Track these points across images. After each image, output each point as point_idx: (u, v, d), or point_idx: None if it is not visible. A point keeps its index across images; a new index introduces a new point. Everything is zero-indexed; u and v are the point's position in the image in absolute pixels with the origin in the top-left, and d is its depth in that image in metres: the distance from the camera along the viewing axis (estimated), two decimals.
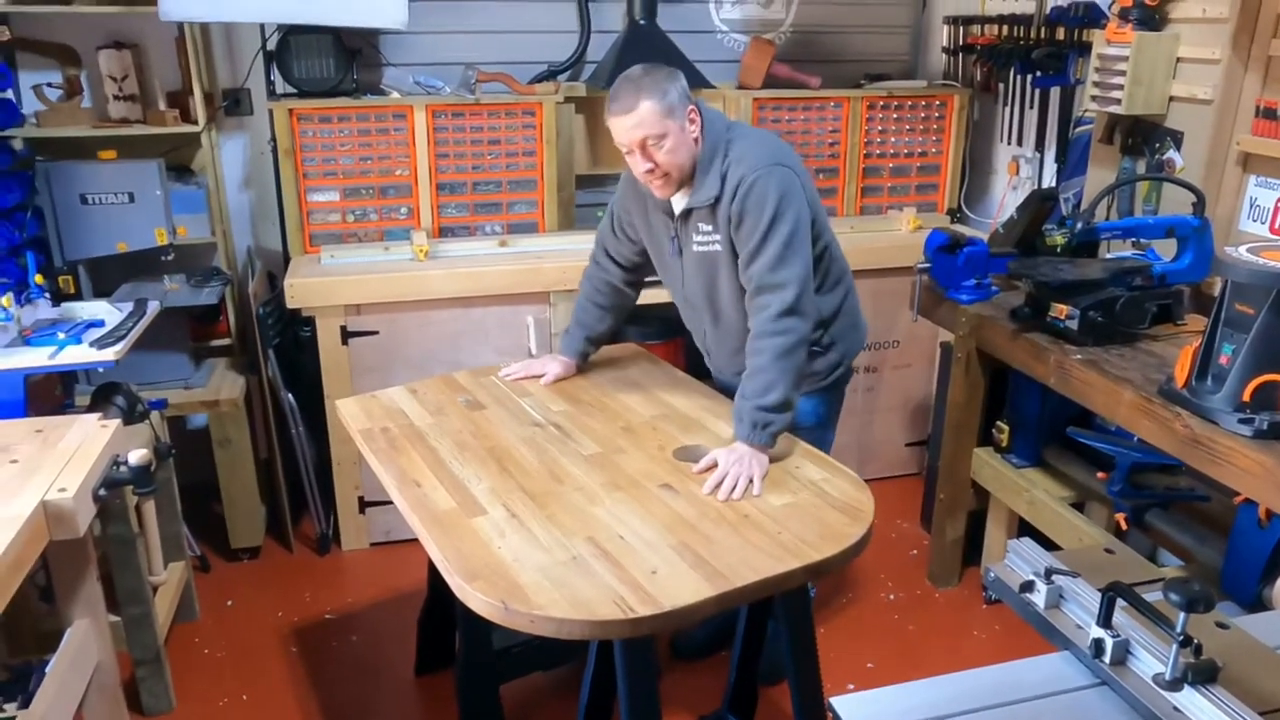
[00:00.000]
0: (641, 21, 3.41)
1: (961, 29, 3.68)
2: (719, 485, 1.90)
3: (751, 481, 1.92)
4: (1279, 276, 1.85)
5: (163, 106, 3.14)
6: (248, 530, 3.21)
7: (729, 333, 2.29)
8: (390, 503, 2.01)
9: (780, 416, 2.03)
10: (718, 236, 2.15)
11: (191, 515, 3.02)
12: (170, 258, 3.03)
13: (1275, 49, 2.47)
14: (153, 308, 2.73)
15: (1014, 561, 1.52)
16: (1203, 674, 1.22)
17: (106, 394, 2.56)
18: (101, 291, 2.98)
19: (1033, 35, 3.31)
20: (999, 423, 2.85)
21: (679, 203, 2.18)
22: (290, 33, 3.17)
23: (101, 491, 1.91)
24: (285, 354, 3.20)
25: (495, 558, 1.67)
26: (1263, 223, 2.57)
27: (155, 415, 2.70)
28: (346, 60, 3.23)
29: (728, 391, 2.34)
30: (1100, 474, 2.51)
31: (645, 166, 2.06)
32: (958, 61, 3.75)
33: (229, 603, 3.01)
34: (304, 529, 3.37)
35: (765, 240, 2.05)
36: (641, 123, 2.01)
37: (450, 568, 1.65)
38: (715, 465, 1.95)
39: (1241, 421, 1.90)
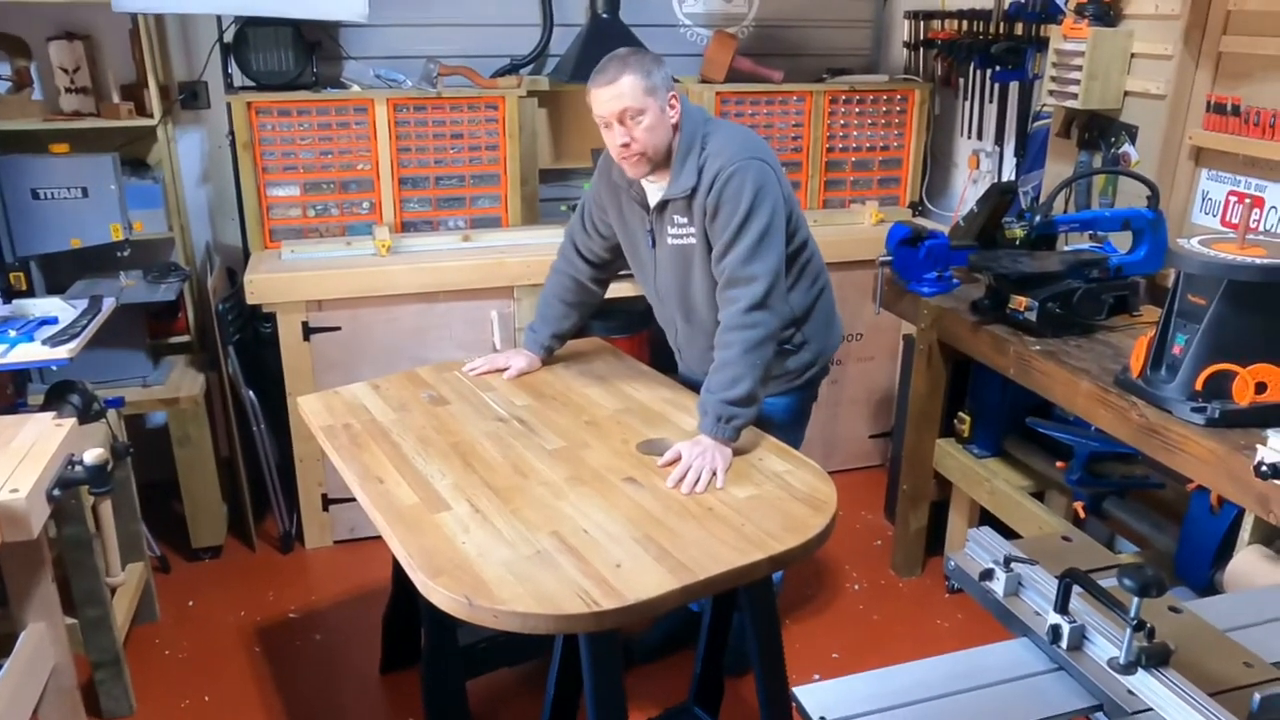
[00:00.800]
0: (604, 15, 3.40)
1: (922, 24, 3.71)
2: (682, 479, 1.90)
3: (715, 475, 1.92)
4: (1229, 268, 1.89)
5: (116, 99, 3.08)
6: (209, 529, 3.17)
7: (700, 330, 2.29)
8: (354, 500, 1.99)
9: (745, 411, 2.03)
10: (692, 229, 2.15)
11: (151, 515, 2.98)
12: (126, 254, 2.97)
13: (1225, 45, 2.52)
14: (108, 304, 2.68)
15: (974, 550, 1.54)
16: (1155, 657, 1.25)
17: (61, 392, 2.51)
18: (55, 288, 2.92)
19: (992, 30, 3.35)
20: (960, 414, 2.89)
21: (654, 194, 2.19)
22: (248, 24, 3.12)
23: (56, 492, 1.88)
24: (246, 351, 3.16)
25: (459, 553, 1.67)
26: (1214, 215, 2.62)
27: (112, 414, 2.65)
28: (306, 53, 3.19)
29: (696, 388, 2.35)
30: (1059, 463, 2.55)
31: (621, 140, 2.07)
32: (918, 56, 3.78)
33: (190, 603, 2.97)
34: (267, 528, 3.33)
35: (739, 233, 2.06)
36: (622, 95, 2.03)
37: (414, 564, 1.64)
38: (679, 458, 1.96)
39: (1194, 410, 1.94)
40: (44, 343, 2.41)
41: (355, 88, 3.30)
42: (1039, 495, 2.75)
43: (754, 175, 2.07)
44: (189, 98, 3.35)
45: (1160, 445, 1.99)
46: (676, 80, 3.42)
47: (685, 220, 2.16)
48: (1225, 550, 2.06)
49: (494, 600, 1.54)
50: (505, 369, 2.46)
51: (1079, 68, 2.76)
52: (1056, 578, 1.35)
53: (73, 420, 2.06)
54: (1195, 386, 1.95)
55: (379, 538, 1.85)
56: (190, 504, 3.12)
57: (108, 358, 2.92)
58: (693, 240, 2.17)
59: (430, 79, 3.27)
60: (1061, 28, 2.83)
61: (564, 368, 2.49)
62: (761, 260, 2.07)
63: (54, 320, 2.55)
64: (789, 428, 2.37)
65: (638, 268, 2.38)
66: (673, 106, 2.09)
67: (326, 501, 3.21)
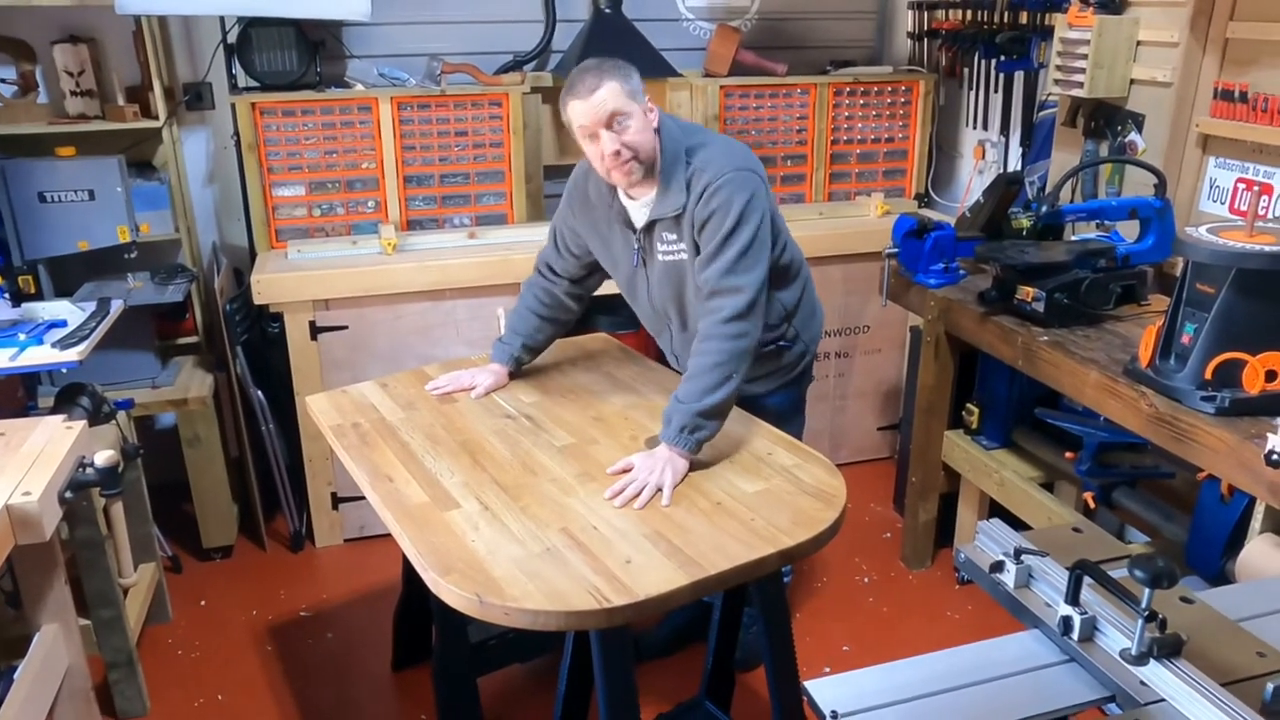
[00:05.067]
0: (607, 10, 3.39)
1: (925, 14, 3.70)
2: (621, 491, 1.84)
3: (660, 491, 1.84)
4: (1238, 256, 1.88)
5: (121, 102, 3.09)
6: (220, 529, 3.18)
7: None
8: (363, 498, 2.00)
9: (712, 424, 1.97)
10: (683, 245, 2.13)
11: (162, 515, 2.99)
12: (133, 255, 2.98)
13: (1233, 31, 2.51)
14: (116, 306, 2.69)
15: (984, 542, 1.54)
16: (1167, 648, 1.24)
17: (71, 395, 2.52)
18: (63, 291, 2.93)
19: (996, 20, 3.34)
20: (969, 405, 2.88)
21: (640, 215, 2.15)
22: (251, 25, 3.12)
23: (67, 494, 1.88)
24: (253, 351, 3.17)
25: (469, 551, 1.67)
26: (1222, 203, 2.60)
27: (122, 415, 2.67)
28: (309, 53, 3.19)
29: None
30: (1068, 454, 2.55)
31: (613, 146, 1.99)
32: (922, 47, 3.77)
33: (202, 603, 2.98)
34: (277, 527, 3.34)
35: (725, 244, 2.02)
36: (605, 100, 1.97)
37: (424, 562, 1.65)
38: (630, 468, 1.90)
39: (1204, 399, 1.94)
40: (53, 345, 2.42)
41: (359, 86, 3.30)
42: (1048, 486, 2.75)
43: (741, 186, 2.03)
44: (193, 99, 3.36)
45: (1170, 435, 1.99)
46: (679, 75, 3.45)
47: (674, 237, 2.12)
48: (1236, 539, 2.05)
49: (504, 598, 1.54)
50: (471, 388, 2.34)
51: (1084, 56, 2.75)
52: (1067, 569, 1.34)
53: (83, 422, 2.07)
54: (1205, 375, 1.95)
55: (389, 535, 1.86)
56: (200, 504, 3.13)
57: (116, 359, 2.93)
58: (683, 256, 2.14)
59: (434, 76, 3.27)
60: (1066, 16, 2.82)
61: (571, 364, 2.49)
62: (746, 272, 2.03)
63: (63, 323, 2.56)
64: (789, 419, 2.37)
65: (625, 285, 2.33)
66: (650, 112, 2.06)
67: (336, 500, 3.21)
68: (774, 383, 2.33)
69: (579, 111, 2.01)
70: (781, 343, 2.31)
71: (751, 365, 2.08)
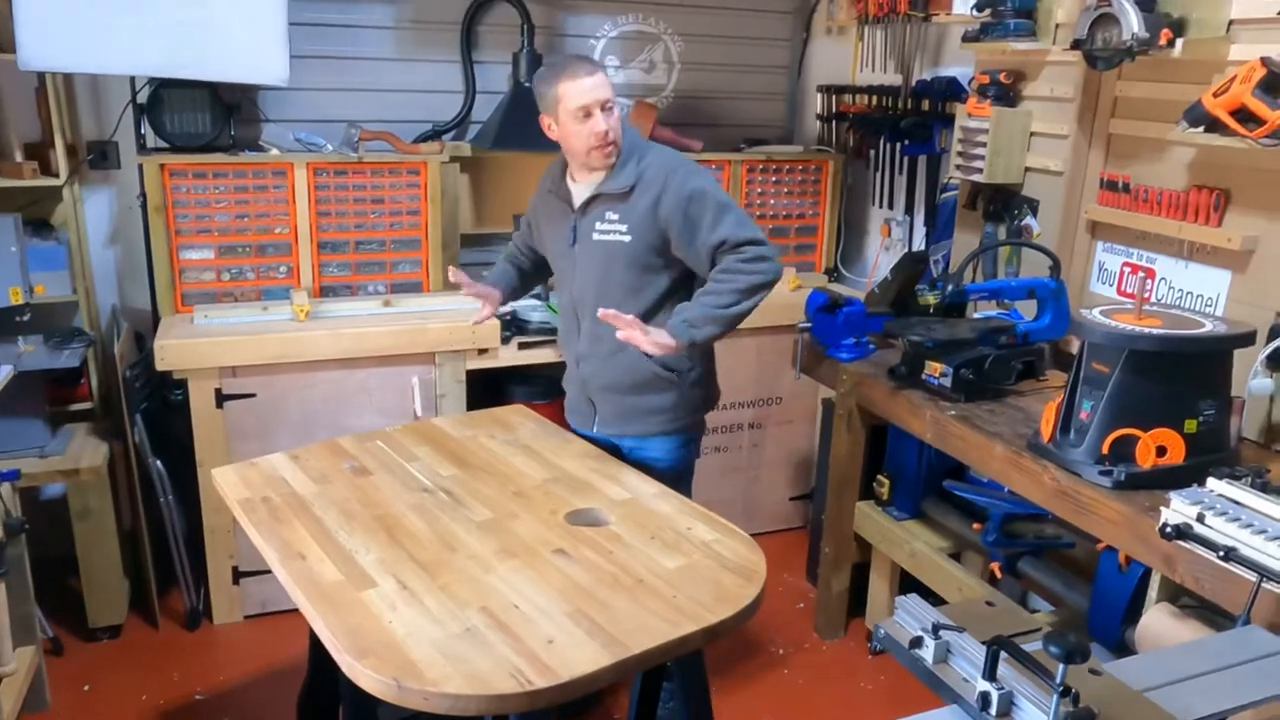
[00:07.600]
0: (526, 83, 3.44)
1: (834, 97, 3.87)
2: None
3: (643, 343, 2.17)
4: (1129, 338, 2.00)
5: (19, 159, 2.97)
6: (108, 607, 3.00)
7: (608, 333, 2.28)
8: (267, 573, 1.93)
9: (713, 330, 2.21)
10: (624, 227, 2.26)
11: (45, 593, 2.81)
12: (26, 318, 2.86)
13: (1114, 127, 2.69)
14: (4, 373, 2.56)
15: (902, 618, 1.56)
16: None
17: None
18: None
19: (900, 106, 3.51)
20: (880, 476, 2.95)
21: (582, 193, 2.30)
22: (163, 85, 3.07)
23: None
24: (153, 418, 3.04)
25: (386, 632, 1.62)
26: (1111, 285, 2.76)
27: (6, 487, 2.51)
28: (223, 115, 3.15)
29: (599, 442, 2.40)
30: (975, 525, 2.62)
31: (604, 126, 2.19)
32: (831, 128, 3.93)
33: (85, 688, 2.79)
34: (171, 603, 3.17)
35: (722, 212, 2.22)
36: (604, 84, 2.21)
37: (338, 645, 1.59)
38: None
39: (1102, 473, 2.03)
40: None
41: (274, 151, 3.25)
42: (956, 556, 2.81)
43: (703, 172, 2.30)
44: (98, 158, 3.26)
45: (1072, 508, 2.07)
46: None
47: (616, 217, 2.27)
48: (1135, 607, 2.14)
49: (423, 681, 1.49)
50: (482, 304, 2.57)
51: (983, 144, 2.91)
52: (984, 644, 1.37)
53: None
54: (1102, 450, 2.04)
55: (294, 611, 1.79)
56: (89, 580, 2.96)
57: (2, 428, 2.77)
58: (620, 238, 2.27)
59: (351, 143, 3.25)
60: (966, 106, 2.98)
61: (489, 436, 2.47)
62: (753, 228, 2.23)
63: None
64: (679, 479, 2.40)
65: (559, 271, 2.48)
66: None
67: (237, 574, 3.08)
68: (668, 422, 2.41)
69: (582, 89, 2.17)
70: (692, 374, 2.41)
71: (656, 390, 2.34)
